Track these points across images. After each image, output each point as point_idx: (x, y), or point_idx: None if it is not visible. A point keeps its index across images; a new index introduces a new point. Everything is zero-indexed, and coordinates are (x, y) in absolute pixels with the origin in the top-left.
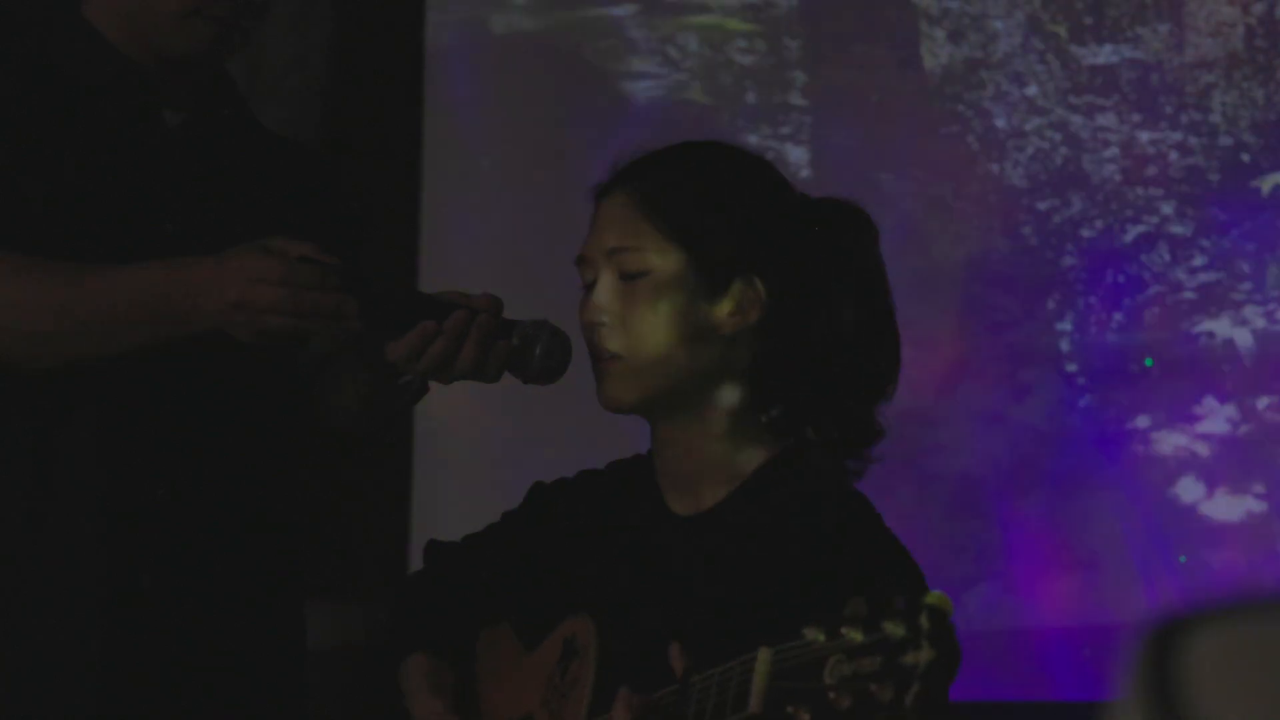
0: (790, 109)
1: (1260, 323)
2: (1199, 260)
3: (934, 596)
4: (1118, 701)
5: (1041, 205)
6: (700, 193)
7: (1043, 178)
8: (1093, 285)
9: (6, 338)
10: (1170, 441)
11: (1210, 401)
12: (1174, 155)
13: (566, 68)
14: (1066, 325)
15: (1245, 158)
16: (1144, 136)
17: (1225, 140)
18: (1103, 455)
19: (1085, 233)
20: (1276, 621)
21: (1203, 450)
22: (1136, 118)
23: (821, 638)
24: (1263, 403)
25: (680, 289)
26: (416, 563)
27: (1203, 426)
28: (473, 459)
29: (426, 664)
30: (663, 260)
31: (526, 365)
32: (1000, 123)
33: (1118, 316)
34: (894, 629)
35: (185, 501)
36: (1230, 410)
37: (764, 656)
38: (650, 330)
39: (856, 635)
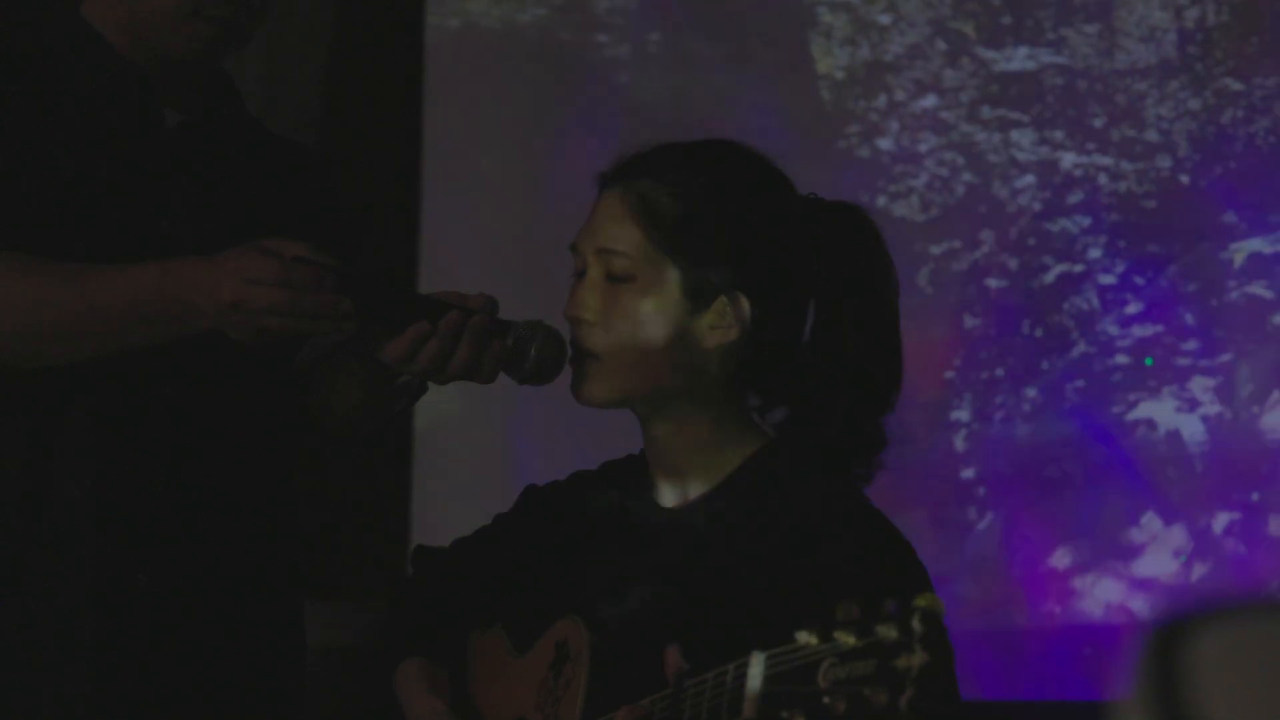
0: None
1: (1212, 405)
2: (1134, 307)
3: (925, 599)
4: (1121, 701)
5: (937, 247)
6: (695, 206)
7: (940, 211)
8: (1002, 351)
9: (2, 337)
10: (1099, 595)
11: (1152, 521)
12: (1103, 179)
13: (567, 65)
14: (963, 413)
15: (1184, 179)
16: (1068, 158)
17: (1163, 160)
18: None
19: (993, 282)
20: (1278, 622)
21: (1143, 607)
22: (1058, 135)
23: (814, 641)
24: (1221, 522)
25: (664, 299)
26: None
27: (1142, 565)
28: (472, 459)
29: (422, 667)
30: (650, 269)
31: (521, 366)
32: (887, 143)
33: (1031, 394)
34: (886, 632)
35: (181, 501)
36: (1178, 536)
37: (757, 661)
38: (630, 335)
39: (849, 639)
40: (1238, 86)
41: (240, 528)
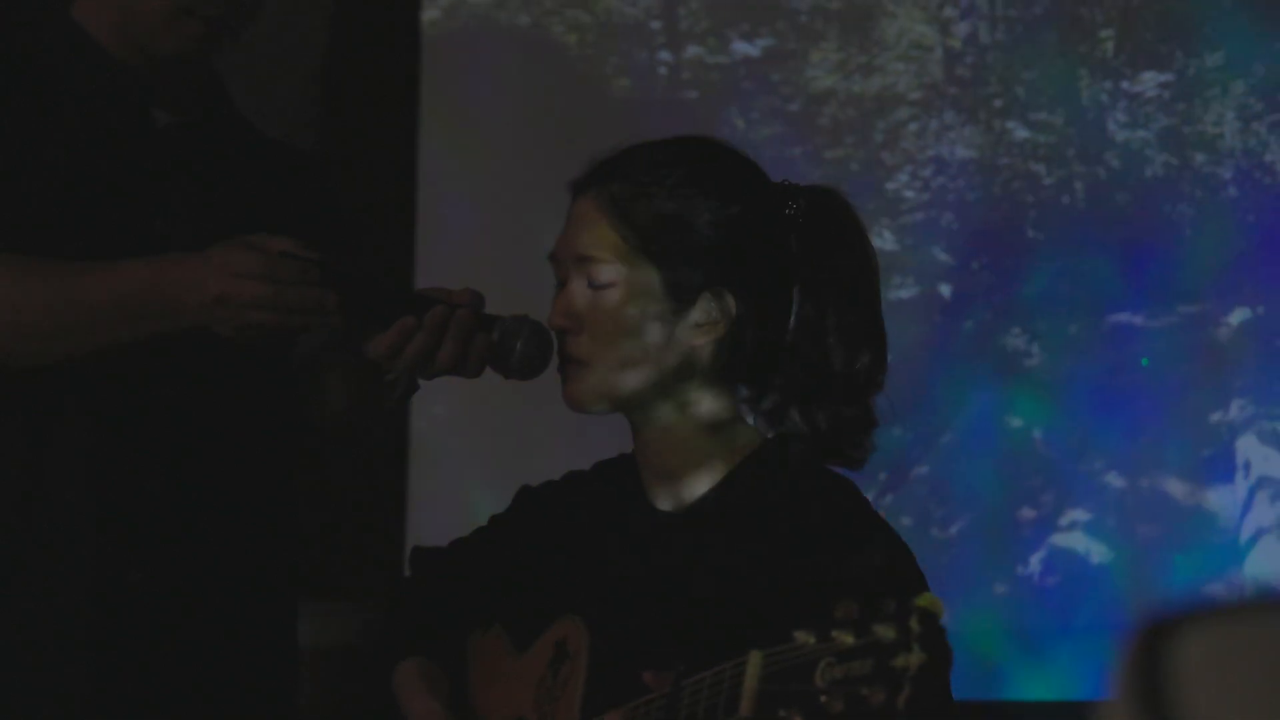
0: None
1: None
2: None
3: (925, 599)
4: (1108, 702)
5: None
6: (671, 206)
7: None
8: None
9: None
10: None
11: None
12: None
13: (564, 64)
14: None
15: (945, 291)
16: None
17: (925, 253)
18: None
19: None
20: (1264, 622)
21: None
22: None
23: (812, 640)
24: None
25: (646, 302)
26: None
27: None
28: (468, 458)
29: (420, 668)
30: (629, 274)
31: (507, 360)
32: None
33: None
34: (884, 631)
35: (179, 501)
36: None
37: (755, 659)
38: (614, 340)
39: (847, 638)
40: (1023, 134)
41: (238, 527)
